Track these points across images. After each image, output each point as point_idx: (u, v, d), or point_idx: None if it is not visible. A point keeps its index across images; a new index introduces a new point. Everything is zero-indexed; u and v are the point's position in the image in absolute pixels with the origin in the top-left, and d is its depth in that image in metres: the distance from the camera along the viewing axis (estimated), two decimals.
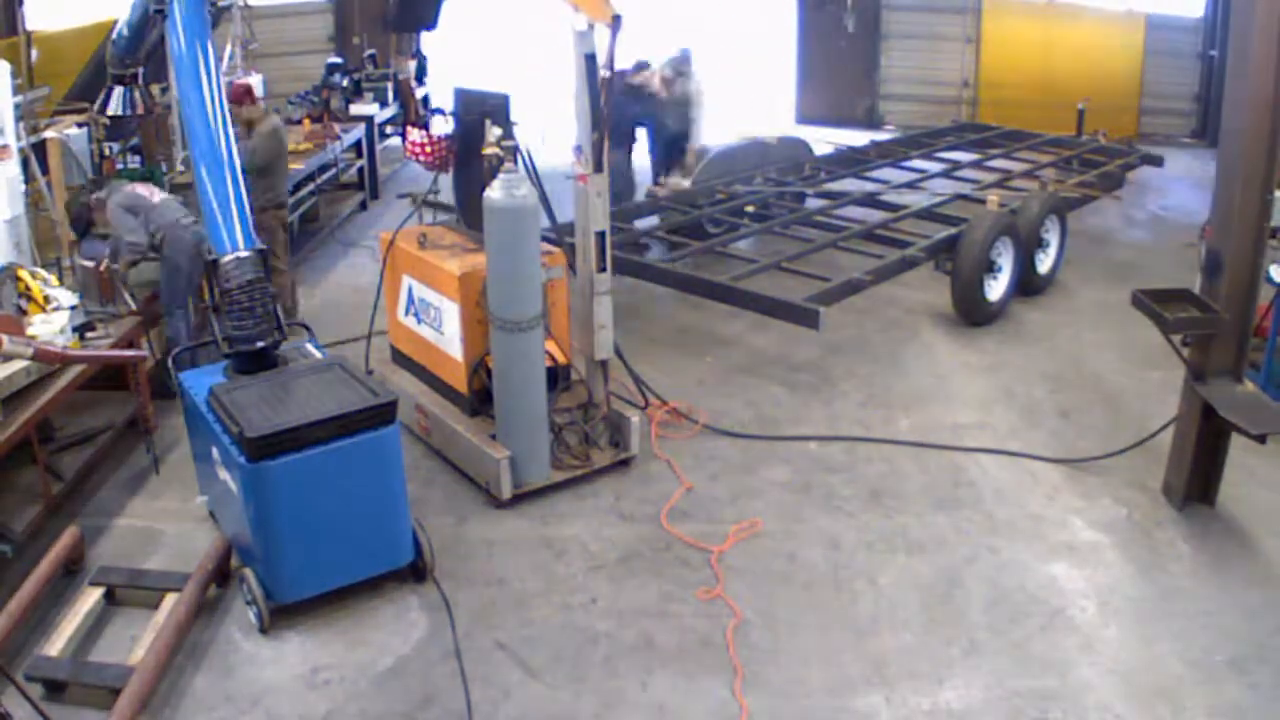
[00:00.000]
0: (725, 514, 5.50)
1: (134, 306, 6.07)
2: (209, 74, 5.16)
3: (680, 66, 9.61)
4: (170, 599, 4.55)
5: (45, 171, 6.87)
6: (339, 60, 11.81)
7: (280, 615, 4.60)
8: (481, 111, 5.61)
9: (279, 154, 7.77)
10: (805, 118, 15.20)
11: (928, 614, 4.69)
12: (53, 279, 5.75)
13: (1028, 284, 8.38)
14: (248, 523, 4.47)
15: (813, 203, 9.85)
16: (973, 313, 7.85)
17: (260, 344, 4.88)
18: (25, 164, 6.67)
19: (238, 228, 4.97)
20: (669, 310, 8.26)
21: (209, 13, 5.35)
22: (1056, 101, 12.26)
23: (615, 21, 5.22)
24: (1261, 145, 4.89)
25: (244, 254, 4.90)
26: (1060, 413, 6.59)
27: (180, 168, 8.00)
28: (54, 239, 6.79)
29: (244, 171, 5.20)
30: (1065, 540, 5.23)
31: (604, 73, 5.25)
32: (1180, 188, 11.69)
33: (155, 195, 6.24)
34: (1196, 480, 5.39)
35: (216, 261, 4.91)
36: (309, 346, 5.30)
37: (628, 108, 9.10)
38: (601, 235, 5.47)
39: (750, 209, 9.29)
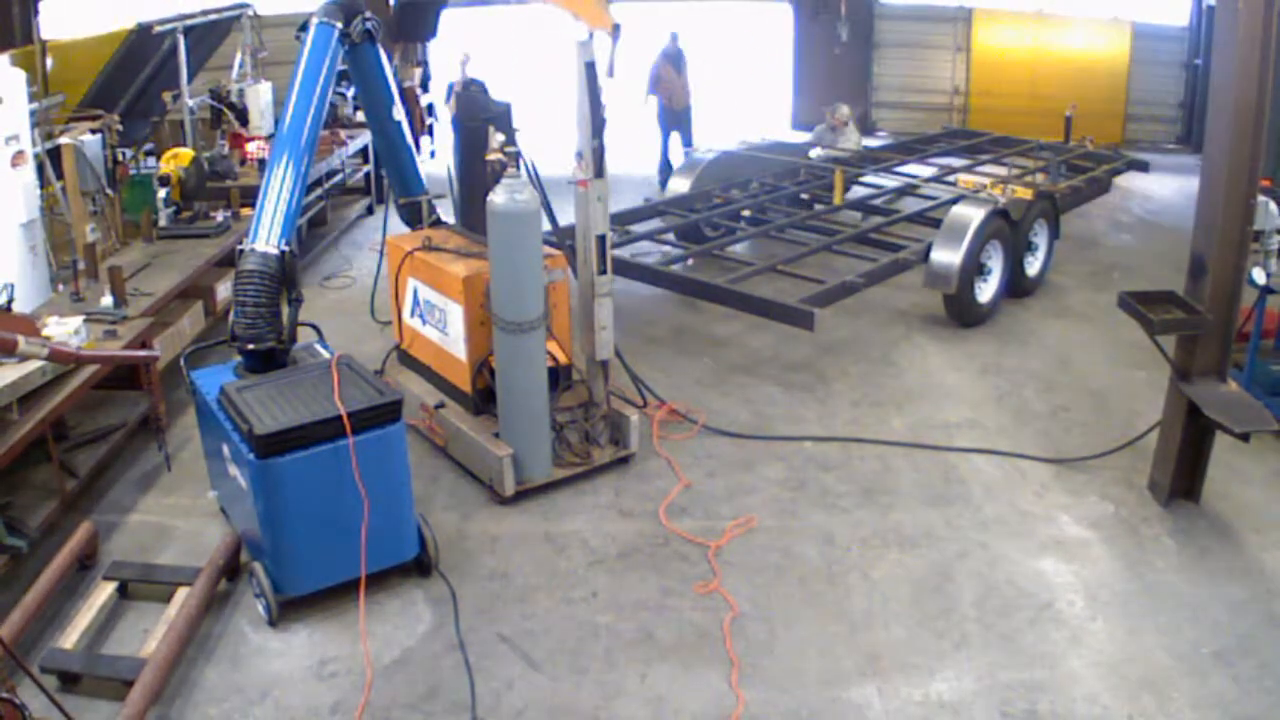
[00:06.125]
0: (722, 510, 5.59)
1: None
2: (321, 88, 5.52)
3: None
4: (182, 593, 4.63)
5: (60, 177, 6.95)
6: (345, 68, 11.86)
7: (288, 608, 4.69)
8: (484, 119, 5.73)
9: None
10: (801, 124, 15.34)
11: (919, 608, 4.79)
12: None
13: (1017, 286, 8.51)
14: (257, 518, 4.56)
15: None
16: (964, 314, 7.98)
17: (267, 345, 4.97)
18: (41, 169, 6.75)
19: (274, 223, 5.08)
20: (668, 312, 8.37)
21: (339, 39, 5.70)
22: (1045, 108, 12.42)
23: (615, 30, 5.34)
24: (1244, 151, 5.00)
25: (269, 250, 5.00)
26: (1049, 411, 6.71)
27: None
28: (68, 242, 6.88)
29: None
30: (1054, 536, 5.33)
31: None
32: (1166, 192, 11.83)
33: None
34: (1182, 477, 5.49)
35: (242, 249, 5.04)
36: (317, 346, 5.41)
37: None
38: (602, 239, 5.57)
39: (746, 213, 9.43)
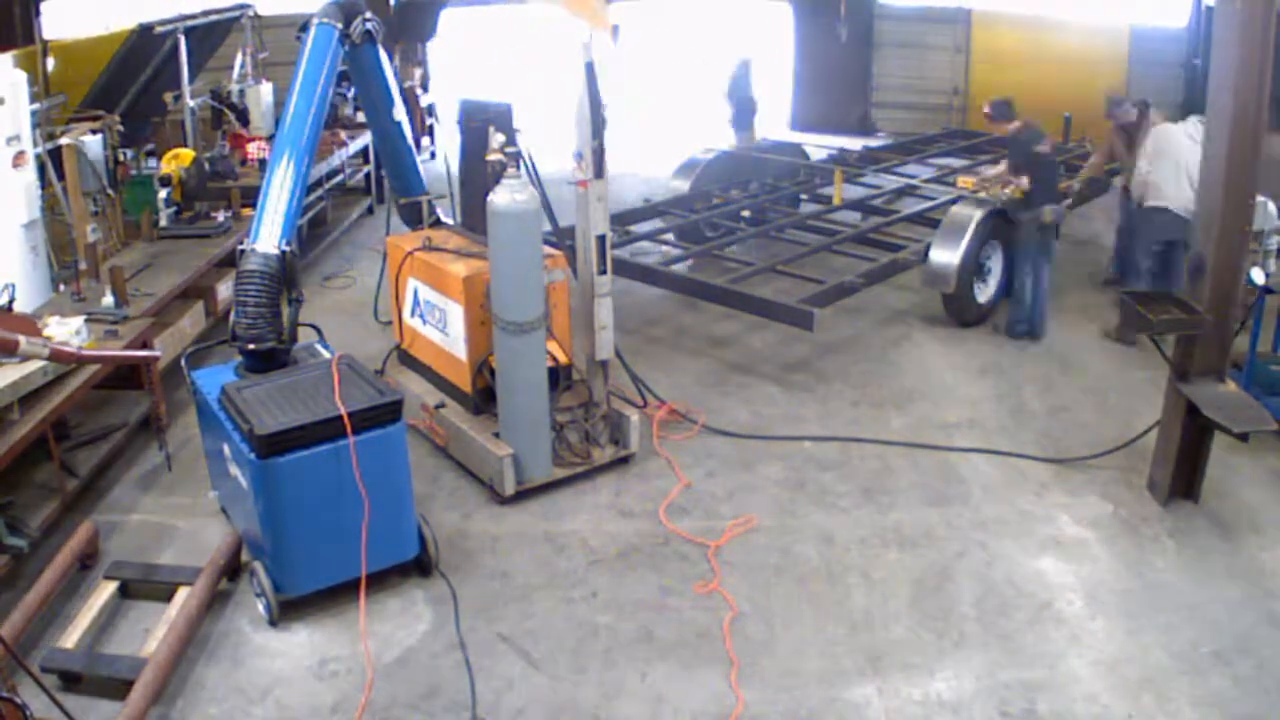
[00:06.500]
0: (722, 510, 5.61)
1: None
2: (321, 90, 5.49)
3: None
4: (182, 592, 4.64)
5: (61, 177, 6.97)
6: (345, 69, 11.88)
7: (289, 608, 4.70)
8: (485, 120, 5.75)
9: None
10: (801, 124, 15.36)
11: (919, 607, 4.80)
12: None
13: None
14: (257, 518, 4.58)
15: (807, 207, 10.00)
16: (963, 314, 7.99)
17: (267, 345, 4.97)
18: (42, 170, 6.76)
19: (275, 223, 5.08)
20: (668, 312, 8.38)
21: (339, 40, 5.69)
22: (1044, 109, 12.40)
23: (613, 31, 5.36)
24: (1243, 152, 5.01)
25: (270, 250, 4.99)
26: (1049, 411, 6.71)
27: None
28: (69, 242, 6.89)
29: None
30: (1053, 535, 5.34)
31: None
32: None
33: None
34: (1181, 477, 5.50)
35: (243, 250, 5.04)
36: (318, 346, 5.42)
37: None
38: (602, 239, 5.59)
39: (746, 213, 9.44)
